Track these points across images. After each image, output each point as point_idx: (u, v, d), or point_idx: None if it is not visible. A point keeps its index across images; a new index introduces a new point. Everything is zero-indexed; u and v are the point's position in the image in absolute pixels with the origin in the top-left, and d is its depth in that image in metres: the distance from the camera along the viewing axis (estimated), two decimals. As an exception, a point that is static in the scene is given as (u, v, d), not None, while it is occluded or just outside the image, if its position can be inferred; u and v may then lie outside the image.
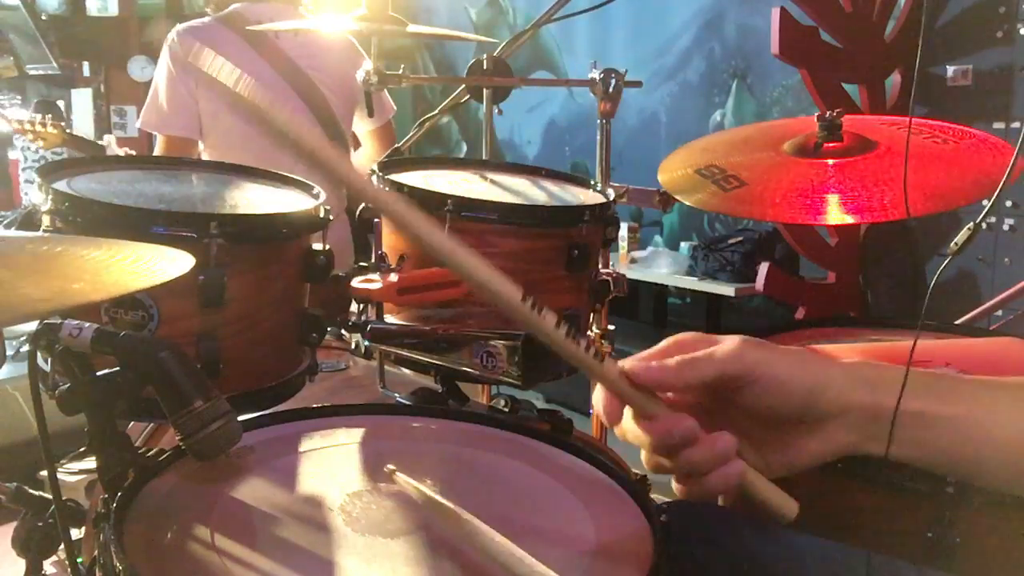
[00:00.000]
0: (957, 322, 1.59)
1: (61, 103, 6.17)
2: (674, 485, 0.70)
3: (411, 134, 1.89)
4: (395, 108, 2.63)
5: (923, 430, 0.67)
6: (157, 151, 2.42)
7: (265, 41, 2.33)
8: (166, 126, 2.36)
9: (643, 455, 0.70)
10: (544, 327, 0.65)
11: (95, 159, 1.20)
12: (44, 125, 2.76)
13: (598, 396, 0.70)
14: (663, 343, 0.70)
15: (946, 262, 0.73)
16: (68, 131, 2.82)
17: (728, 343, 0.67)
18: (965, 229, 0.89)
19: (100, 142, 2.80)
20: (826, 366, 0.68)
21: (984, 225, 0.91)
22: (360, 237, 2.07)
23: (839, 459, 0.69)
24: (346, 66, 2.36)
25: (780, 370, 0.66)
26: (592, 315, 1.35)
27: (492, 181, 1.34)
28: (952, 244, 0.84)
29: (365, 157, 2.54)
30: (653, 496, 0.90)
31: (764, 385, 0.66)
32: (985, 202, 0.93)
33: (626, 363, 0.68)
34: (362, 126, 2.57)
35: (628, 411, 0.70)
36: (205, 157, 2.36)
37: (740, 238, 3.82)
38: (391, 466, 0.87)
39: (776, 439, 0.69)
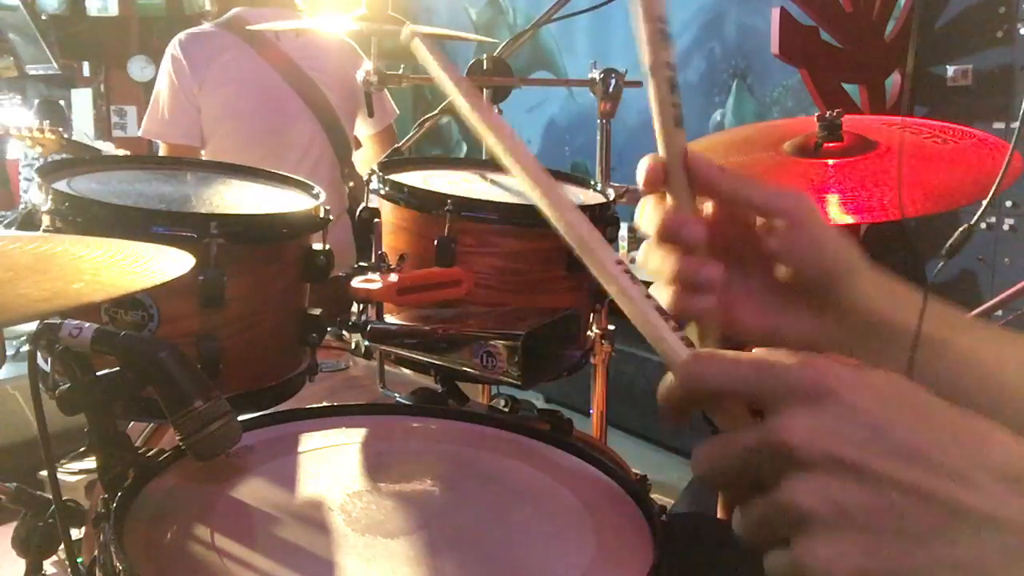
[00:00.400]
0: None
1: (62, 103, 6.17)
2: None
3: (411, 134, 1.89)
4: (397, 111, 2.63)
5: (937, 359, 0.64)
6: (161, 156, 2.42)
7: (267, 44, 2.34)
8: (168, 134, 2.36)
9: (644, 248, 0.67)
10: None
11: (95, 159, 1.20)
12: (42, 131, 2.75)
13: (644, 162, 0.66)
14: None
15: (940, 265, 0.72)
16: (66, 136, 2.82)
17: (782, 188, 0.65)
18: (960, 230, 0.89)
19: (96, 145, 2.80)
20: (858, 257, 0.65)
21: (984, 225, 0.91)
22: (360, 237, 2.07)
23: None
24: (347, 67, 2.36)
25: (818, 229, 0.63)
26: (592, 315, 1.35)
27: (492, 181, 1.34)
28: (948, 245, 0.84)
29: (366, 160, 2.55)
30: (653, 496, 0.90)
31: (798, 236, 0.63)
32: (985, 202, 0.93)
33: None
34: (363, 129, 2.57)
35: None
36: None
37: (740, 238, 3.82)
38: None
39: (777, 297, 0.66)
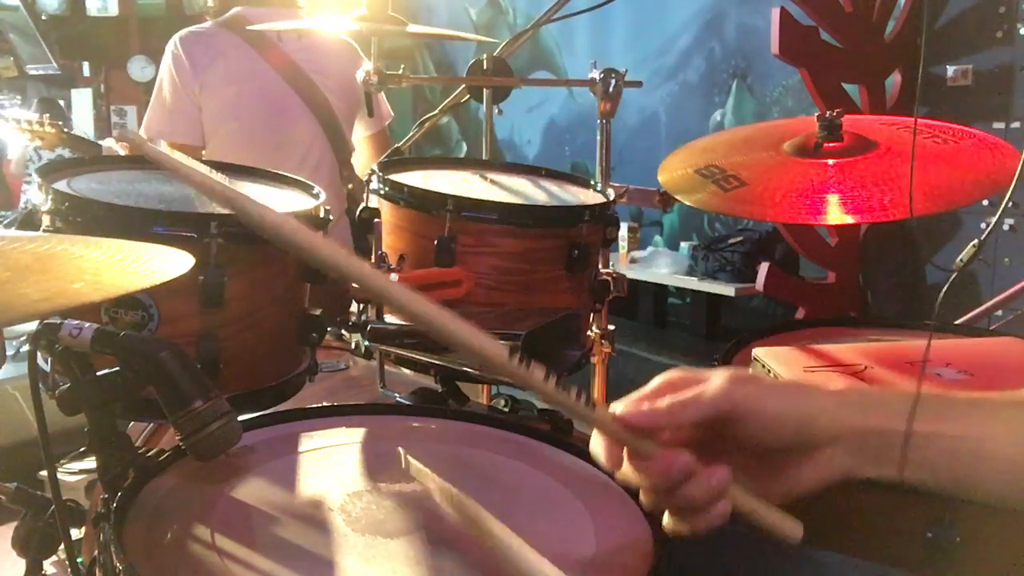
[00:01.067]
0: (957, 322, 1.59)
1: (61, 103, 6.17)
2: (668, 521, 0.70)
3: (411, 134, 1.89)
4: (392, 114, 2.63)
5: (919, 450, 0.67)
6: None
7: (268, 44, 2.33)
8: (169, 133, 2.35)
9: (642, 495, 0.71)
10: (534, 381, 0.66)
11: (95, 159, 1.20)
12: (42, 124, 2.75)
13: (596, 442, 0.71)
14: (653, 383, 0.71)
15: (951, 278, 0.73)
16: (66, 130, 2.81)
17: (716, 382, 0.68)
18: (970, 246, 0.89)
19: (100, 143, 2.79)
20: (815, 395, 0.69)
21: (984, 225, 0.91)
22: (360, 238, 2.07)
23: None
24: (348, 69, 2.36)
25: (769, 405, 0.67)
26: (592, 315, 1.35)
27: (492, 181, 1.34)
28: (958, 261, 0.84)
29: (362, 163, 2.54)
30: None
31: (755, 421, 0.67)
32: (985, 202, 0.93)
33: (618, 407, 0.69)
34: (358, 131, 2.57)
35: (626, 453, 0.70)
36: None
37: (740, 238, 3.82)
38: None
39: (772, 469, 0.69)
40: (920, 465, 0.68)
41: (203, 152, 2.37)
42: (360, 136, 2.59)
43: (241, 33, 2.30)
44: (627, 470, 0.70)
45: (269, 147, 2.30)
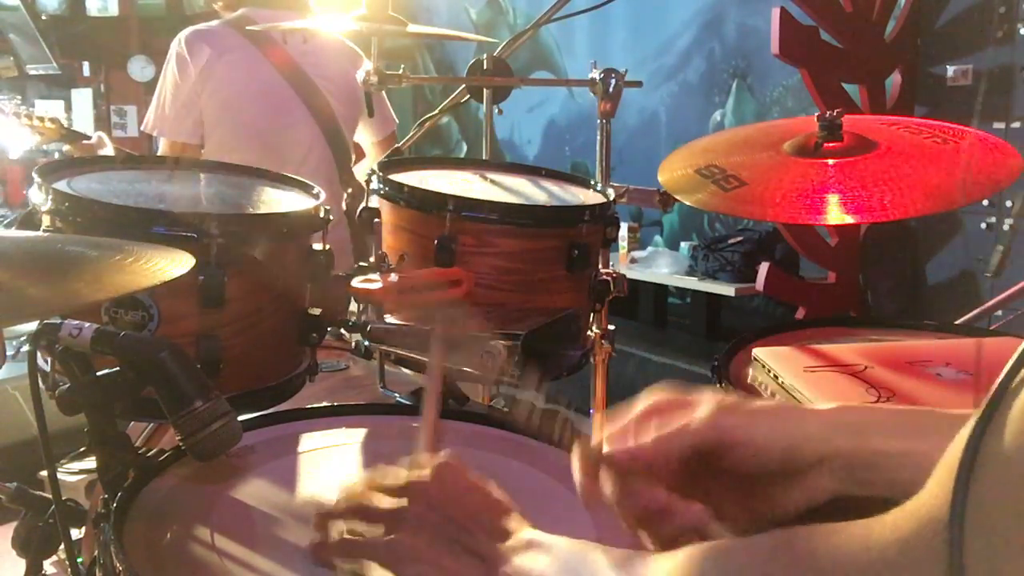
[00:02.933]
0: (957, 322, 1.59)
1: (61, 103, 6.17)
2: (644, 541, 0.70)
3: (411, 134, 1.89)
4: (397, 120, 2.63)
5: (904, 471, 0.67)
6: (161, 155, 2.41)
7: (272, 45, 2.33)
8: (170, 131, 2.35)
9: (619, 516, 0.71)
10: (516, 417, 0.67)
11: (95, 159, 1.20)
12: (42, 120, 2.75)
13: (576, 473, 0.72)
14: (638, 407, 0.71)
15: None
16: (65, 126, 2.81)
17: (702, 411, 0.68)
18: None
19: (89, 137, 2.78)
20: (801, 419, 0.69)
21: (983, 225, 0.91)
22: (360, 238, 2.07)
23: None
24: (351, 73, 2.35)
25: (756, 433, 0.67)
26: (592, 315, 1.35)
27: (492, 181, 1.34)
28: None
29: (368, 169, 2.54)
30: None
31: (742, 449, 0.67)
32: (985, 202, 0.93)
33: (604, 441, 0.69)
34: (366, 137, 2.57)
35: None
36: None
37: (740, 238, 3.82)
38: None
39: (758, 493, 0.70)
40: (905, 485, 0.67)
41: (202, 150, 2.37)
42: (369, 141, 2.59)
43: (246, 33, 2.30)
44: (606, 494, 0.70)
45: (268, 148, 2.30)
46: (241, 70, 2.32)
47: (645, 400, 0.71)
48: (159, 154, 2.42)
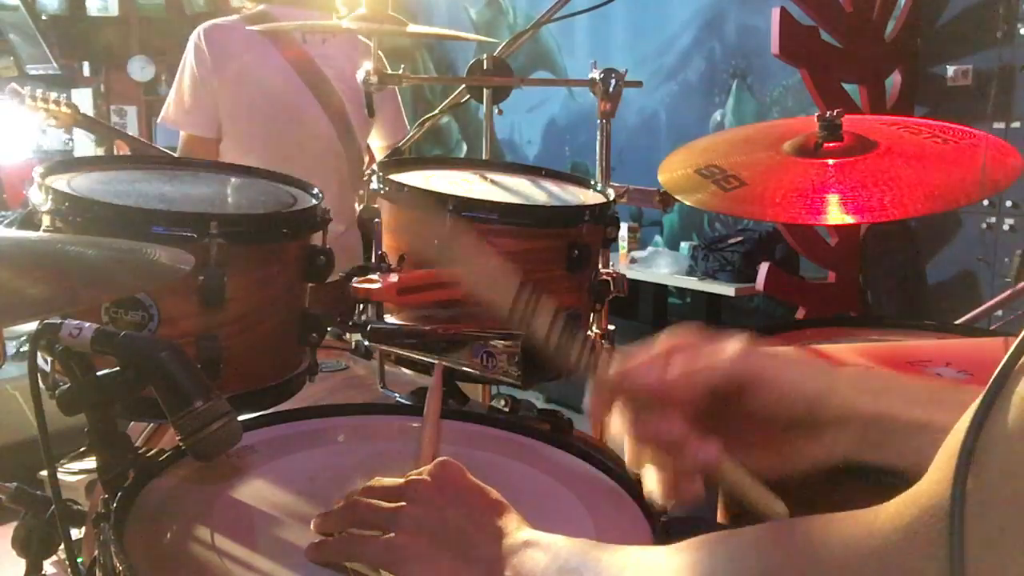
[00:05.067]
0: (957, 322, 1.59)
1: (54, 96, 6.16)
2: (648, 486, 0.69)
3: (411, 134, 1.89)
4: (408, 128, 2.62)
5: (917, 441, 0.67)
6: (180, 149, 2.41)
7: (289, 43, 2.32)
8: (189, 124, 2.35)
9: (626, 448, 0.70)
10: (537, 326, 0.64)
11: (95, 159, 1.20)
12: (58, 104, 2.74)
13: (590, 394, 0.71)
14: (662, 342, 0.69)
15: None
16: (82, 113, 2.80)
17: (731, 348, 0.67)
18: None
19: (110, 127, 2.77)
20: (831, 373, 0.68)
21: (984, 225, 0.91)
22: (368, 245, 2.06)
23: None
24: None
25: (785, 376, 0.66)
26: (592, 315, 1.35)
27: (492, 181, 1.34)
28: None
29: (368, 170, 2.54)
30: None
31: (768, 392, 0.66)
32: (985, 202, 0.93)
33: (627, 366, 0.68)
34: (377, 141, 2.57)
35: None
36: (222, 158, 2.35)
37: (740, 238, 3.82)
38: None
39: (773, 442, 0.68)
40: (925, 456, 0.67)
41: (219, 145, 2.36)
42: (379, 146, 2.58)
43: (263, 30, 2.29)
44: (616, 422, 0.69)
45: (282, 146, 2.29)
46: (257, 67, 2.31)
47: (668, 337, 0.70)
48: (180, 148, 2.41)
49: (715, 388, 0.66)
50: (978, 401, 0.41)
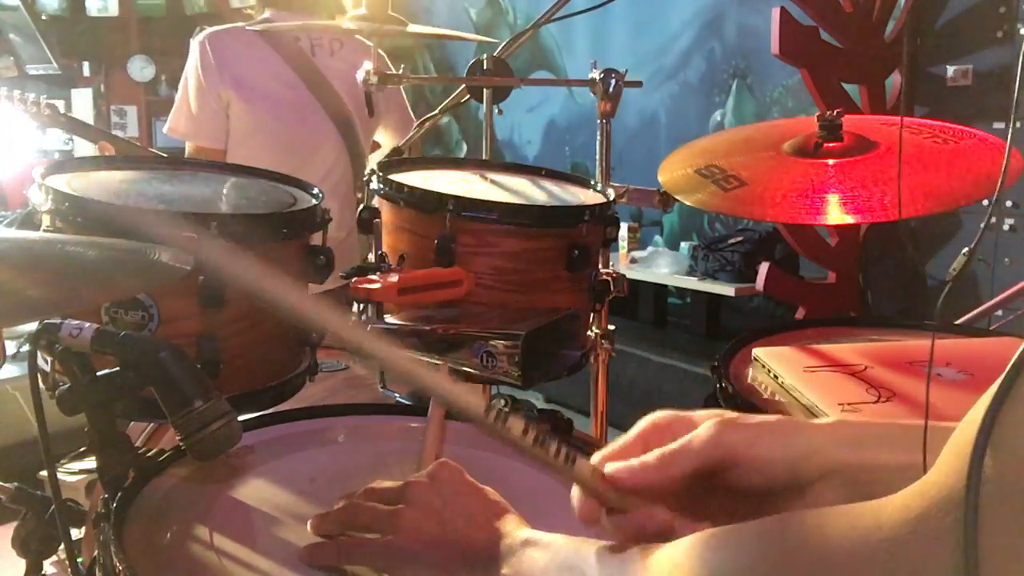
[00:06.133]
0: (957, 322, 1.59)
1: (61, 103, 6.17)
2: None
3: (411, 134, 1.89)
4: (414, 122, 2.61)
5: (905, 483, 0.67)
6: (160, 155, 2.39)
7: (296, 53, 2.29)
8: (196, 135, 2.30)
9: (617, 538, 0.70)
10: (512, 437, 0.64)
11: (95, 159, 1.20)
12: (38, 105, 2.73)
13: (575, 495, 0.70)
14: (637, 428, 0.70)
15: (945, 289, 0.72)
16: (62, 113, 2.78)
17: (704, 429, 0.67)
18: (960, 255, 0.89)
19: (91, 127, 2.77)
20: (806, 434, 0.68)
21: (983, 225, 0.91)
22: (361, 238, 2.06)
23: None
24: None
25: (761, 450, 0.66)
26: (592, 315, 1.35)
27: (492, 181, 1.34)
28: (951, 270, 0.84)
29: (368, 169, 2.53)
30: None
31: (745, 466, 0.66)
32: (985, 202, 0.93)
33: (605, 465, 0.68)
34: (387, 140, 2.56)
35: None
36: None
37: (740, 238, 3.82)
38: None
39: (763, 510, 0.69)
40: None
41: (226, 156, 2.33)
42: (389, 145, 2.57)
43: (270, 39, 2.27)
44: (604, 522, 0.69)
45: (289, 154, 2.26)
46: (264, 76, 2.28)
47: (643, 423, 0.70)
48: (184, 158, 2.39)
49: (693, 469, 0.67)
50: (992, 392, 0.41)
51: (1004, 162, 0.77)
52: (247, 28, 2.31)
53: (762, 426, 0.68)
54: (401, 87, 2.34)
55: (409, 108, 2.56)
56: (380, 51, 2.36)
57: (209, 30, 2.32)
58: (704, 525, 0.66)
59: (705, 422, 0.67)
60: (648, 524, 0.65)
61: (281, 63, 2.28)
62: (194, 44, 2.30)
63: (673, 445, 0.67)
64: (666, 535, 0.65)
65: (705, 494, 0.68)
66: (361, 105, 2.34)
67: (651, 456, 0.67)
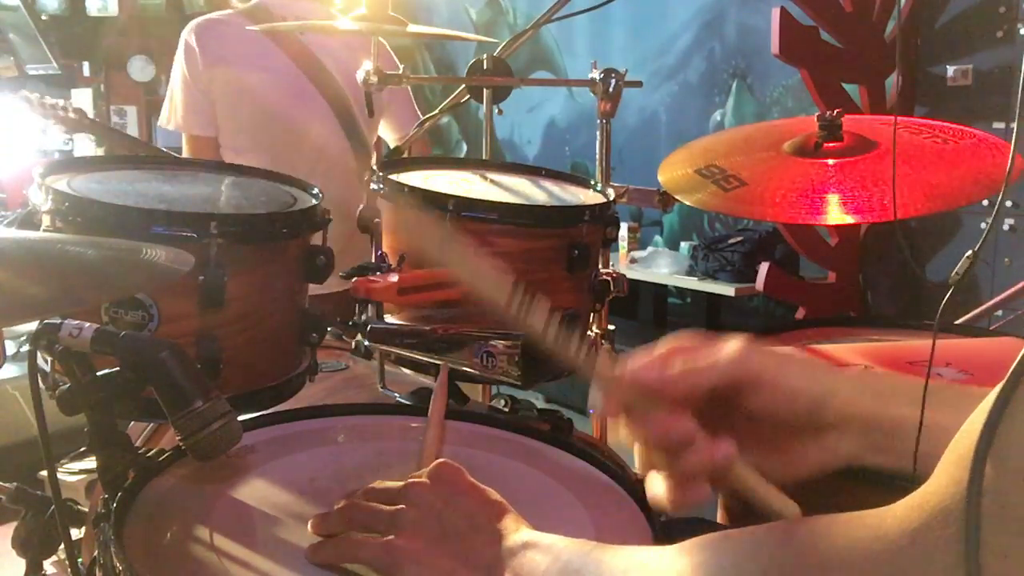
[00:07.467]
0: (957, 322, 1.60)
1: (61, 103, 6.16)
2: (653, 491, 0.69)
3: (411, 134, 1.89)
4: (419, 116, 2.60)
5: (926, 442, 0.66)
6: (184, 150, 2.39)
7: (286, 35, 2.29)
8: (186, 125, 2.32)
9: (636, 453, 0.69)
10: (534, 325, 0.64)
11: (95, 159, 1.20)
12: (65, 110, 2.74)
13: (594, 393, 0.69)
14: (662, 344, 0.69)
15: (948, 294, 0.72)
16: (89, 117, 2.80)
17: (732, 348, 0.66)
18: (964, 258, 0.88)
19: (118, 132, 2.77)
20: (833, 374, 0.67)
21: (983, 225, 0.91)
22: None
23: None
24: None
25: (787, 377, 0.65)
26: (592, 315, 1.35)
27: (492, 181, 1.34)
28: (954, 273, 0.84)
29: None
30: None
31: (769, 391, 0.65)
32: (985, 202, 0.93)
33: (628, 366, 0.67)
34: (391, 134, 2.55)
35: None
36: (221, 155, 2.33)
37: (740, 238, 3.82)
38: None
39: (775, 446, 0.68)
40: (926, 457, 0.67)
41: (220, 142, 2.33)
42: (393, 139, 2.56)
43: (258, 23, 2.26)
44: (623, 426, 0.68)
45: (284, 140, 2.25)
46: (253, 60, 2.27)
47: (669, 340, 0.69)
48: (184, 148, 2.39)
49: (715, 388, 0.66)
50: (991, 400, 0.41)
51: (1008, 163, 0.77)
52: (234, 13, 2.31)
53: (791, 357, 0.67)
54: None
55: (414, 102, 2.55)
56: (387, 47, 2.36)
57: (194, 21, 2.31)
58: (723, 443, 0.65)
59: (732, 343, 0.66)
60: (672, 429, 0.64)
61: (272, 46, 2.27)
62: (181, 38, 2.30)
63: (698, 360, 0.66)
64: (688, 443, 0.64)
65: (724, 415, 0.67)
66: (358, 85, 2.34)
67: (675, 367, 0.66)
